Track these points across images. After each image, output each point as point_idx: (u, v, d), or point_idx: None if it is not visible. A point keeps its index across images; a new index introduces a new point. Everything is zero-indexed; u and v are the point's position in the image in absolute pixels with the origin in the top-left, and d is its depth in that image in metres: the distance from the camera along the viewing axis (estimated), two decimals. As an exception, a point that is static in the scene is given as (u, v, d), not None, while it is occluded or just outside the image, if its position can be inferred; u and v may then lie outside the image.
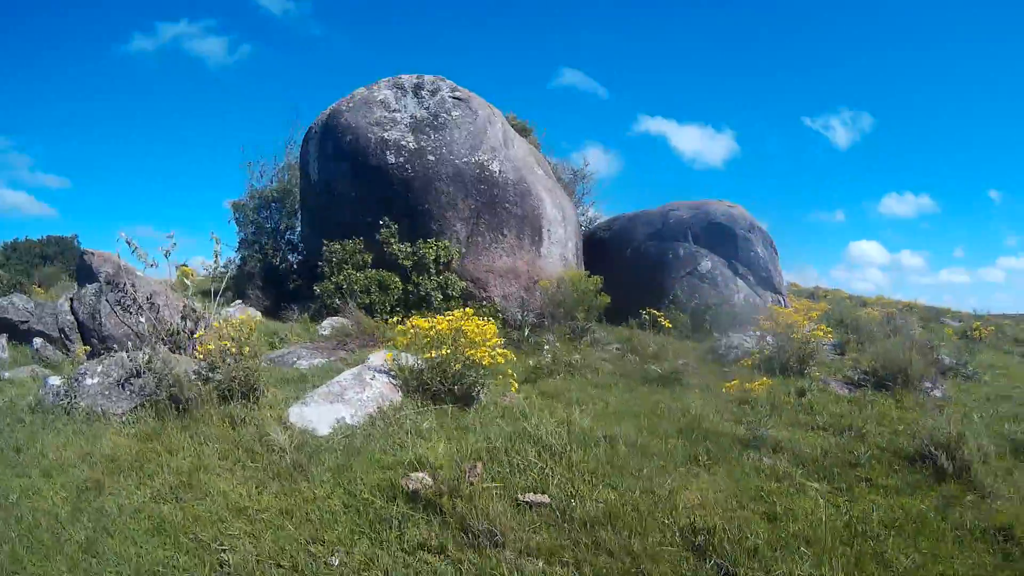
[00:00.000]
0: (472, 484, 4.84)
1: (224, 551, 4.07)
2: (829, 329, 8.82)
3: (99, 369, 7.19)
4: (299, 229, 14.70)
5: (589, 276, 11.21)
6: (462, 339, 6.94)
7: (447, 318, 7.09)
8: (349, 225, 11.71)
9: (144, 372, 6.96)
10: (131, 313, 9.30)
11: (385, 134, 11.48)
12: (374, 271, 11.13)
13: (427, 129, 11.52)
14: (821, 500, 4.77)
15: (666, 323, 10.28)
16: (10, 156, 57.27)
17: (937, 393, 7.57)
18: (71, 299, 10.48)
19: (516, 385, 7.20)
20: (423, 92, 12.26)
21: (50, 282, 18.99)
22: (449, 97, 12.08)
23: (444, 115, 11.71)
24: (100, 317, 9.61)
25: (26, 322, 10.70)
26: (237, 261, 14.51)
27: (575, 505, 4.63)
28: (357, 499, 4.76)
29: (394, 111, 11.91)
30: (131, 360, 7.20)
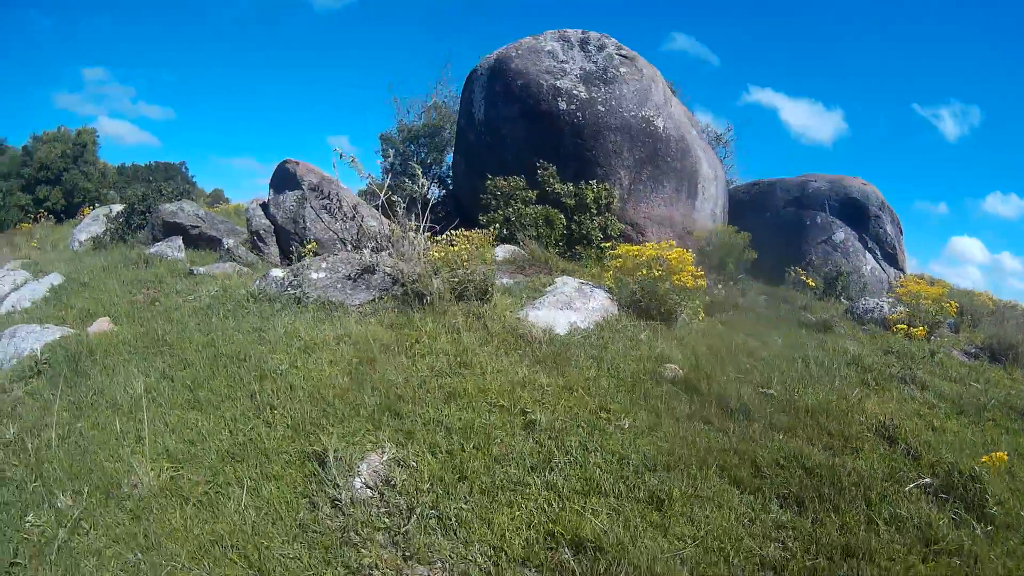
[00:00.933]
0: (715, 374, 7.27)
1: (528, 413, 5.83)
2: (954, 304, 10.98)
3: (324, 265, 8.98)
4: (447, 165, 16.95)
5: (737, 232, 13.46)
6: (664, 267, 9.21)
7: (652, 246, 9.40)
8: (510, 165, 13.84)
9: (377, 269, 8.97)
10: (336, 219, 11.50)
11: (557, 82, 13.57)
12: (541, 207, 13.34)
13: (597, 82, 13.58)
14: (960, 423, 6.99)
15: (810, 282, 12.58)
16: (111, 87, 60.49)
17: (1043, 367, 9.71)
18: (263, 205, 12.50)
19: (702, 314, 9.52)
20: (589, 47, 14.33)
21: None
22: (616, 54, 14.13)
23: (612, 70, 13.77)
24: (304, 222, 11.53)
25: (197, 227, 12.79)
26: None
27: (795, 398, 6.90)
28: (623, 381, 6.89)
29: (562, 62, 13.97)
30: (363, 258, 9.01)
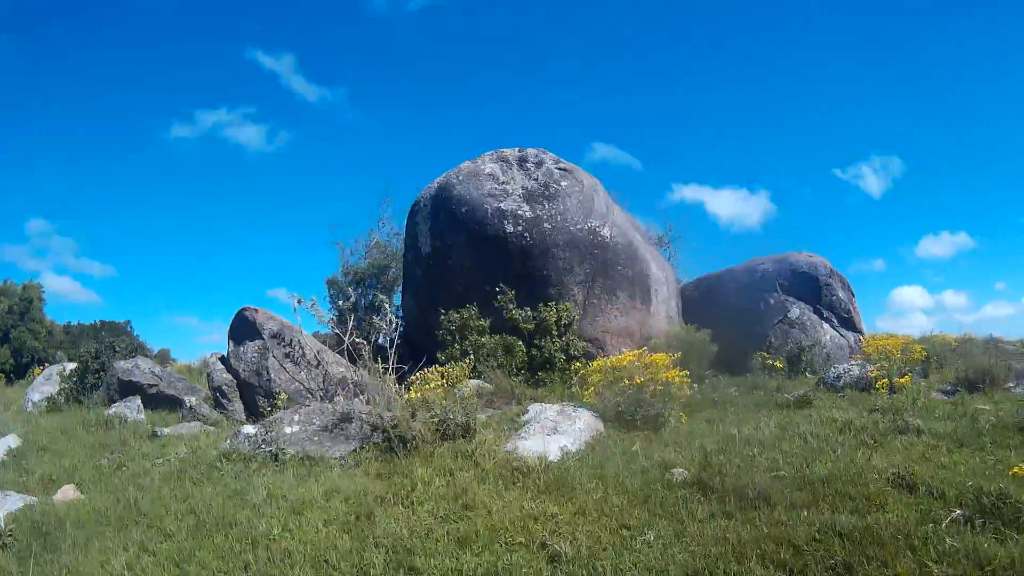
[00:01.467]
0: (726, 469, 7.66)
1: (549, 545, 5.96)
2: (923, 350, 11.91)
3: (296, 418, 9.07)
4: (395, 306, 17.49)
5: (698, 330, 14.23)
6: (649, 370, 9.78)
7: (631, 353, 9.99)
8: (462, 295, 14.38)
9: (354, 418, 9.14)
10: (301, 368, 11.70)
11: (500, 204, 14.40)
12: (498, 336, 13.76)
13: (540, 199, 14.48)
14: (965, 454, 7.63)
15: (777, 364, 13.36)
16: (54, 241, 60.50)
17: (1019, 390, 10.57)
18: (223, 359, 12.63)
19: (684, 417, 10.00)
20: (528, 164, 15.36)
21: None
22: (555, 168, 15.17)
23: (554, 185, 14.74)
24: (269, 373, 11.69)
25: (155, 386, 12.90)
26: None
27: (806, 474, 7.35)
28: (634, 495, 7.16)
29: (503, 183, 14.88)
30: (338, 407, 9.24)
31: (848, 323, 16.12)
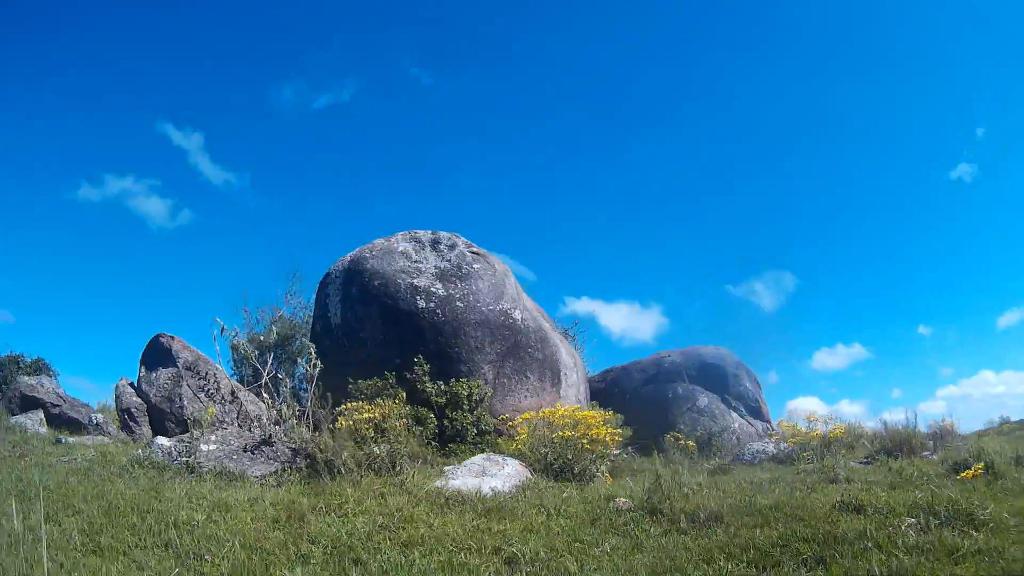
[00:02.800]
0: (673, 496, 7.56)
1: (504, 550, 5.97)
2: (843, 427, 12.30)
3: (214, 438, 9.08)
4: (298, 377, 16.75)
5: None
6: (580, 426, 9.71)
7: (564, 408, 9.88)
8: (372, 366, 14.04)
9: (275, 441, 8.88)
10: (215, 402, 11.03)
11: (414, 281, 14.40)
12: (411, 407, 13.40)
13: (453, 279, 14.59)
14: (901, 492, 7.83)
15: (690, 444, 13.44)
16: None
17: (933, 456, 11.03)
18: (132, 384, 11.98)
19: (609, 477, 9.89)
20: (441, 246, 15.51)
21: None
22: (467, 252, 15.39)
23: (466, 267, 14.91)
24: (181, 400, 11.30)
25: (58, 406, 12.69)
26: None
27: (753, 503, 7.38)
28: (580, 519, 7.30)
29: (416, 261, 14.95)
30: (260, 431, 9.06)
31: (756, 412, 16.58)
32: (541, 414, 9.99)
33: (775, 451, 11.90)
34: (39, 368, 15.40)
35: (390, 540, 6.09)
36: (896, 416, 15.01)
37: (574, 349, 17.11)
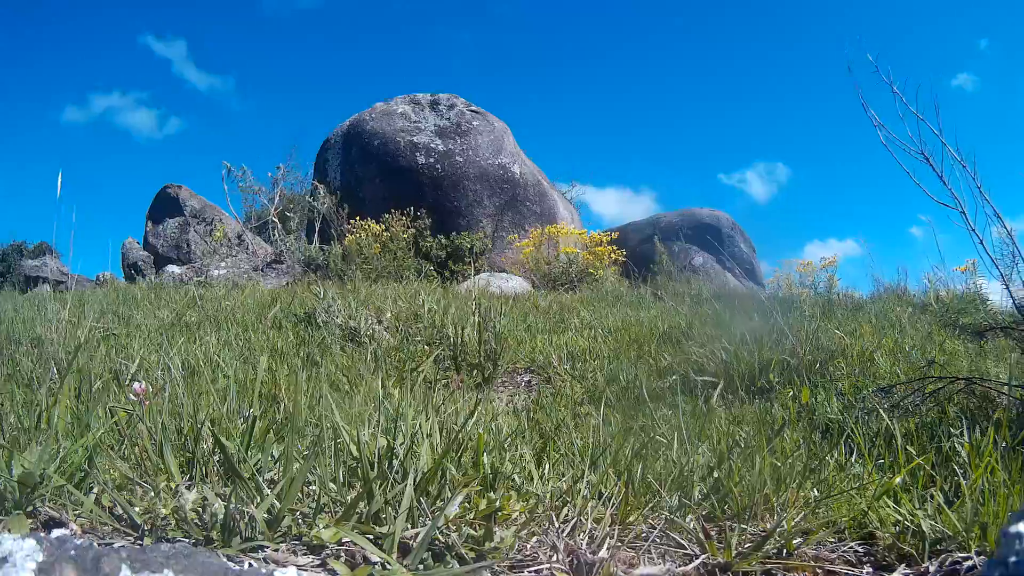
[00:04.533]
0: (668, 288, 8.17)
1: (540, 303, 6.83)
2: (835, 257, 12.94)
3: (223, 264, 9.37)
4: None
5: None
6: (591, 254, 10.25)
7: (566, 228, 10.41)
8: (371, 226, 14.52)
9: (286, 260, 9.28)
10: (222, 246, 11.49)
11: (413, 138, 14.80)
12: (413, 260, 13.93)
13: (452, 135, 14.97)
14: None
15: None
16: None
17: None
18: (142, 240, 12.36)
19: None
20: (440, 106, 15.83)
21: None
22: (466, 110, 15.74)
23: (465, 124, 15.29)
24: (189, 246, 11.65)
25: (62, 282, 12.77)
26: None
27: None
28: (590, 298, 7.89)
29: (416, 121, 15.32)
30: (271, 248, 9.39)
31: (751, 274, 17.20)
32: (548, 230, 10.53)
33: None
34: (42, 251, 15.75)
35: (432, 295, 6.73)
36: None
37: (571, 204, 17.58)
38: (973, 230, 2.81)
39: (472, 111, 15.86)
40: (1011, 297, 2.83)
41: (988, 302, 6.45)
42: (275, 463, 2.00)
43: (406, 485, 1.73)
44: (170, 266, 9.23)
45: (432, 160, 14.60)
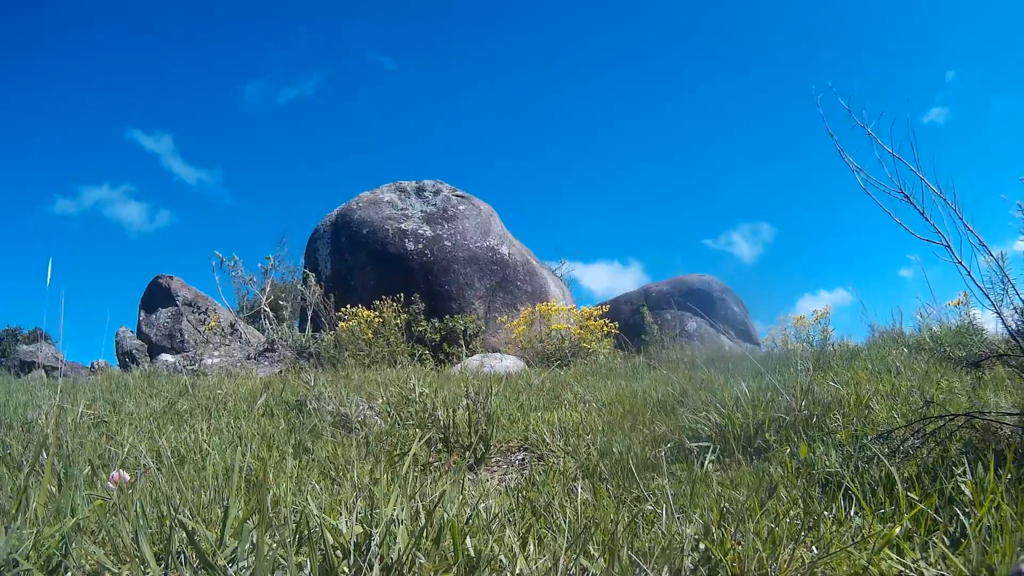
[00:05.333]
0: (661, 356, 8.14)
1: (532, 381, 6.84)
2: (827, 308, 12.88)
3: (216, 353, 9.39)
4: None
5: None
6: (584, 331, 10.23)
7: (558, 305, 10.38)
8: (365, 315, 14.52)
9: (279, 348, 9.29)
10: (216, 334, 11.44)
11: (401, 225, 14.90)
12: (407, 344, 13.88)
13: (440, 220, 15.09)
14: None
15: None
16: None
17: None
18: (135, 329, 12.32)
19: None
20: (426, 193, 16.00)
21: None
22: (452, 195, 15.90)
23: (452, 209, 15.43)
24: (182, 335, 11.61)
25: (56, 368, 12.67)
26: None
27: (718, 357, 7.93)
28: (594, 373, 7.88)
29: (403, 209, 15.46)
30: (264, 336, 9.47)
31: (746, 335, 17.11)
32: (540, 307, 10.50)
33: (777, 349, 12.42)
34: (36, 337, 15.79)
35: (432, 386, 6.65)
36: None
37: (562, 282, 17.62)
38: (960, 262, 2.78)
39: (458, 196, 16.03)
40: (1003, 323, 2.76)
41: (983, 331, 6.41)
42: (251, 552, 1.93)
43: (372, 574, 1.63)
44: (164, 355, 9.19)
45: (421, 246, 14.67)
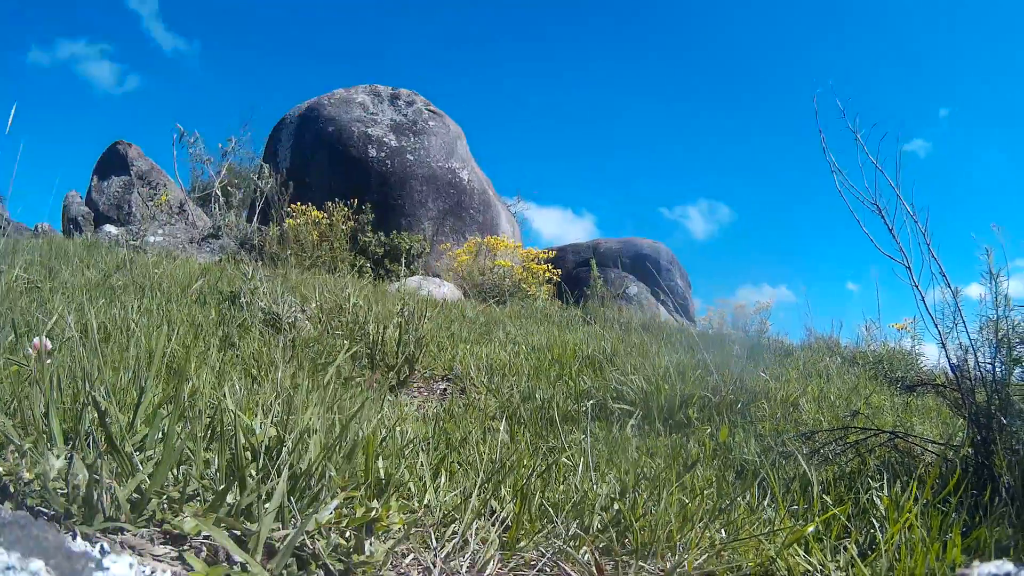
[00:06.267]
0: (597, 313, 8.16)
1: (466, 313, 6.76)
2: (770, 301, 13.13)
3: (160, 231, 9.14)
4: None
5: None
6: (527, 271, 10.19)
7: (506, 241, 10.31)
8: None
9: (223, 236, 9.04)
10: (163, 212, 11.06)
11: (368, 130, 14.55)
12: (350, 254, 13.67)
13: (407, 132, 14.78)
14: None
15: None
16: None
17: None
18: (86, 195, 11.85)
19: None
20: (399, 102, 15.61)
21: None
22: (424, 109, 15.56)
23: (421, 123, 15.12)
24: (130, 207, 11.20)
25: (2, 227, 12.08)
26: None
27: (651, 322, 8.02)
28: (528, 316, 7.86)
29: (373, 114, 15.08)
30: (209, 222, 9.23)
31: (684, 309, 17.34)
32: (486, 240, 10.41)
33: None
34: None
35: (368, 299, 6.51)
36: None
37: (514, 218, 17.53)
38: (916, 286, 2.80)
39: (430, 111, 15.69)
40: (946, 356, 2.80)
41: (922, 358, 6.61)
42: (161, 442, 1.84)
43: (280, 481, 1.56)
44: (108, 225, 8.90)
45: (383, 155, 14.36)
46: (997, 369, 2.62)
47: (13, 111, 3.56)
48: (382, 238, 13.95)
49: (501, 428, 3.01)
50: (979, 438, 2.57)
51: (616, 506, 1.89)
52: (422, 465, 2.16)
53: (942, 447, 2.78)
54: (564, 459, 2.54)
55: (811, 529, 1.74)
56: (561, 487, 2.16)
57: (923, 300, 2.80)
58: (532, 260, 10.22)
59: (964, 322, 2.75)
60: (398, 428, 2.77)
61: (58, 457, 1.51)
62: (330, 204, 11.63)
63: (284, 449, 1.81)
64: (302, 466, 1.73)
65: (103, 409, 1.68)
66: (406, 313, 5.08)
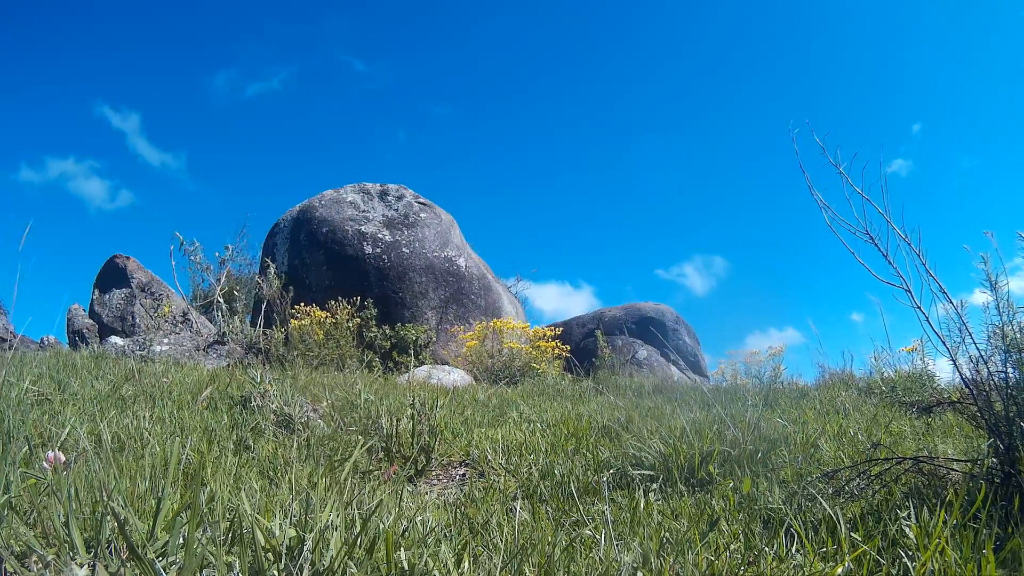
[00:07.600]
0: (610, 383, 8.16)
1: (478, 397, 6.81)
2: (782, 346, 13.07)
3: (166, 340, 9.17)
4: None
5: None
6: (536, 350, 10.22)
7: (513, 322, 10.35)
8: (317, 314, 14.33)
9: (228, 341, 9.10)
10: (167, 322, 11.12)
11: (361, 227, 14.75)
12: (356, 349, 13.71)
13: (400, 226, 14.98)
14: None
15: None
16: None
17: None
18: (88, 308, 11.92)
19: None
20: (389, 197, 15.89)
21: None
22: (414, 202, 15.80)
23: (413, 216, 15.33)
24: (134, 319, 11.25)
25: (5, 340, 12.16)
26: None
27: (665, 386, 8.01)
28: (531, 391, 7.88)
29: (364, 211, 15.32)
30: (214, 329, 9.29)
31: (695, 366, 17.24)
32: (495, 323, 10.44)
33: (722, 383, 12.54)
34: None
35: (379, 394, 6.54)
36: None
37: (516, 299, 17.62)
38: (919, 307, 2.82)
39: (420, 203, 15.94)
40: (957, 371, 2.80)
41: (935, 378, 6.54)
42: (181, 548, 1.85)
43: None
44: (113, 337, 8.94)
45: (379, 250, 14.53)
46: (1010, 374, 2.62)
47: (27, 229, 3.65)
48: (387, 331, 14.00)
49: (518, 507, 2.98)
50: (1001, 447, 2.54)
51: (640, 573, 1.86)
52: (445, 552, 2.14)
53: (966, 463, 2.74)
54: (587, 531, 2.51)
55: (840, 570, 1.71)
56: (585, 560, 2.13)
57: (927, 320, 2.82)
58: (540, 339, 10.23)
59: (971, 334, 2.76)
60: (419, 517, 2.75)
61: (81, 566, 1.51)
62: (333, 303, 11.73)
63: (305, 548, 1.80)
64: (324, 563, 1.72)
65: (123, 518, 1.69)
66: (417, 404, 5.08)
